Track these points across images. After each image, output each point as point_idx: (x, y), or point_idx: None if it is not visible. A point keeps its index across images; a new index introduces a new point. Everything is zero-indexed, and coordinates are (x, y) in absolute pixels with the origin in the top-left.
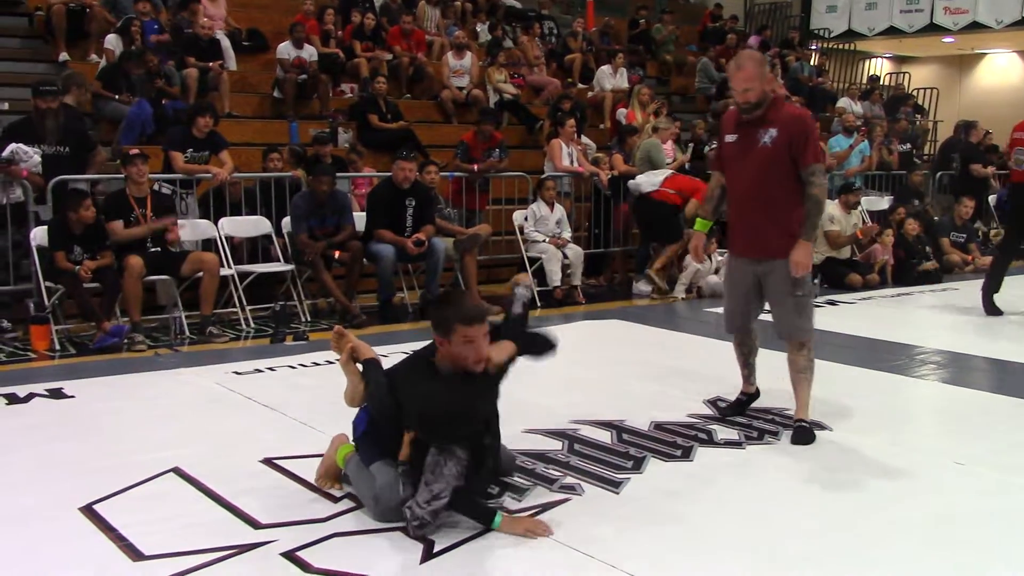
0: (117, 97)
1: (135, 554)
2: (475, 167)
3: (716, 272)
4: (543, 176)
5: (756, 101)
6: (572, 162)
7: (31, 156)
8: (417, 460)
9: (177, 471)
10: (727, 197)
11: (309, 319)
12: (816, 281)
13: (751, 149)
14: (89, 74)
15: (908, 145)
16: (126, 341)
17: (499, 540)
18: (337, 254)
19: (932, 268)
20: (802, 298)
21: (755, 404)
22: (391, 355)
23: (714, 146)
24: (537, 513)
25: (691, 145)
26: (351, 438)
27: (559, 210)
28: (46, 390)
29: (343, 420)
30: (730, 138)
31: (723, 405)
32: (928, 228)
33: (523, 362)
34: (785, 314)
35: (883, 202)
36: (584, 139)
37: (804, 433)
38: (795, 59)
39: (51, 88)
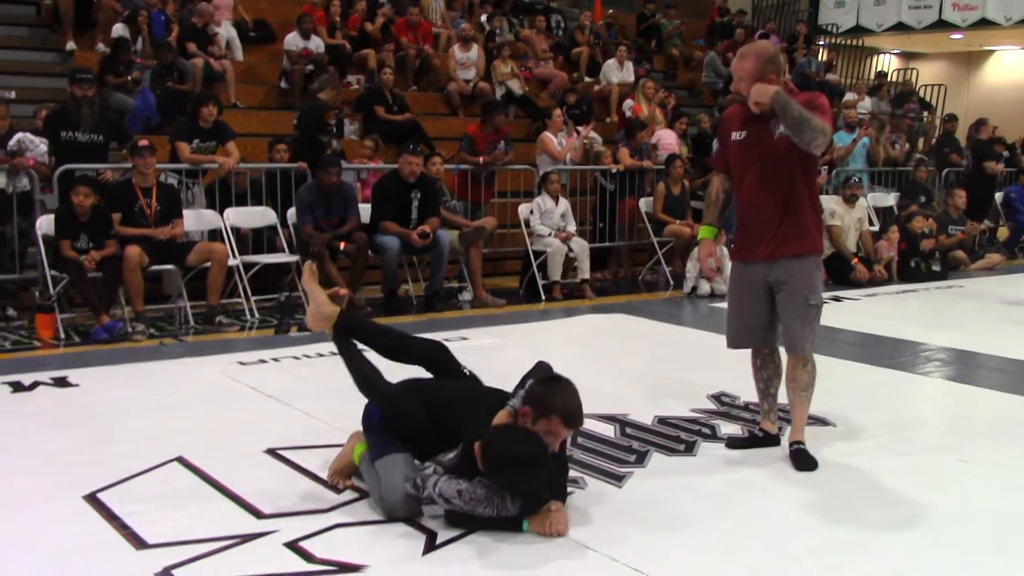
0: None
1: (138, 542)
2: (480, 160)
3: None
4: (549, 170)
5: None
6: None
7: (37, 145)
8: (466, 464)
9: (181, 460)
10: (736, 198)
11: None
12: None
13: (764, 142)
14: (95, 64)
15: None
16: (120, 335)
17: (500, 532)
18: (342, 245)
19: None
20: (813, 307)
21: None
22: None
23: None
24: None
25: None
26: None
27: (564, 203)
28: (51, 378)
29: (347, 412)
30: (737, 135)
31: (732, 435)
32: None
33: (523, 356)
34: (792, 322)
35: (889, 198)
36: (591, 133)
37: (806, 458)
38: (803, 54)
39: (87, 76)
